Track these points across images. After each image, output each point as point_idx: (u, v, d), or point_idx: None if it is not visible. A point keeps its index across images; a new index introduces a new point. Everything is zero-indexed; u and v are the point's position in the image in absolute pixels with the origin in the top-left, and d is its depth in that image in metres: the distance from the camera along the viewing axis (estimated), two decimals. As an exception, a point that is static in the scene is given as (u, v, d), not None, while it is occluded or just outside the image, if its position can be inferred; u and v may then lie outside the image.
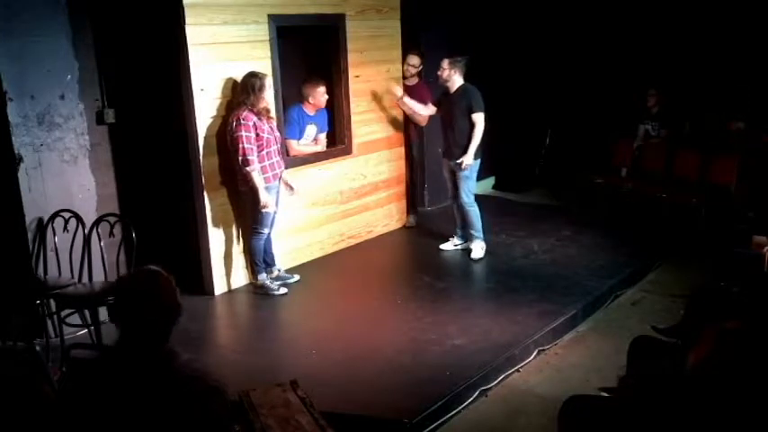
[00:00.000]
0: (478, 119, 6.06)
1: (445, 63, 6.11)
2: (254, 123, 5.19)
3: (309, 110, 6.21)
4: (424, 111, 6.77)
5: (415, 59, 6.92)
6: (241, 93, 5.26)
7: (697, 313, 3.59)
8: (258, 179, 5.24)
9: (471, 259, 6.32)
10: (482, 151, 6.25)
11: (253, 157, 5.19)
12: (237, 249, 5.77)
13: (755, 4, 7.31)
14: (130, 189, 5.54)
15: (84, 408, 2.22)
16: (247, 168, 5.20)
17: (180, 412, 2.14)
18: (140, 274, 2.34)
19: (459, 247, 6.55)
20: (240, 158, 5.19)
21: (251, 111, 5.20)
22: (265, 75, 5.30)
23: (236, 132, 5.17)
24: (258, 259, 5.58)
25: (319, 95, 6.13)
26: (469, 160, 6.12)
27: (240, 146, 5.15)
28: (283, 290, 5.66)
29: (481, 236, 6.40)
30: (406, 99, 6.67)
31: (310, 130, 6.28)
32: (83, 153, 5.08)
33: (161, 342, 2.25)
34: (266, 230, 5.53)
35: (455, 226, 6.59)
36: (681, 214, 6.92)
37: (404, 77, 6.93)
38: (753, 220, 6.50)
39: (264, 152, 5.28)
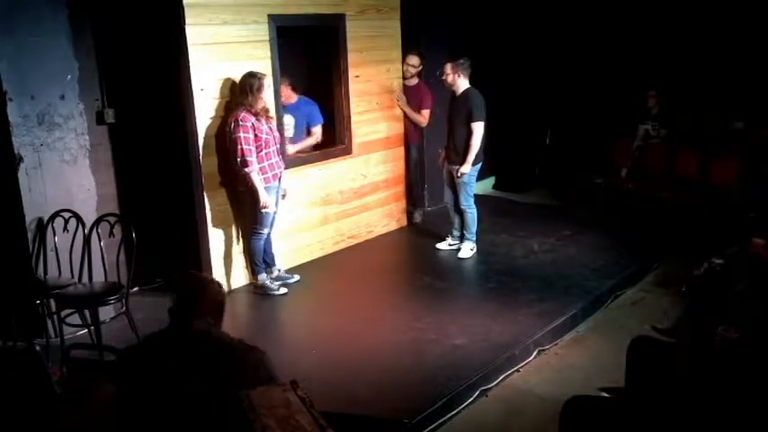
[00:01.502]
0: (476, 127, 6.04)
1: (448, 68, 6.09)
2: (253, 124, 5.19)
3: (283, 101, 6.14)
4: (416, 117, 6.90)
5: (414, 59, 6.92)
6: (239, 93, 5.26)
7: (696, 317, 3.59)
8: (257, 180, 5.24)
9: (458, 258, 6.36)
10: (482, 153, 6.25)
11: (251, 158, 5.19)
12: (237, 249, 5.77)
13: (755, 4, 7.31)
14: (130, 189, 5.54)
15: (142, 367, 2.64)
16: (246, 169, 5.19)
17: (236, 362, 2.62)
18: (192, 273, 2.97)
19: (455, 246, 6.55)
20: (239, 159, 5.19)
21: (249, 111, 5.20)
22: (264, 75, 5.29)
23: (234, 134, 5.17)
24: (258, 259, 5.58)
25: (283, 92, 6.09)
26: (466, 170, 6.14)
27: (239, 147, 5.15)
28: (283, 290, 5.66)
29: (473, 238, 6.42)
30: (402, 104, 6.80)
31: (287, 119, 6.21)
32: (83, 153, 5.08)
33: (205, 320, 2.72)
34: (266, 230, 5.53)
35: (451, 226, 6.60)
36: (681, 214, 6.91)
37: (404, 78, 6.94)
38: (753, 220, 6.49)
39: (263, 152, 5.28)
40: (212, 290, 2.80)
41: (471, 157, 6.10)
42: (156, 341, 2.75)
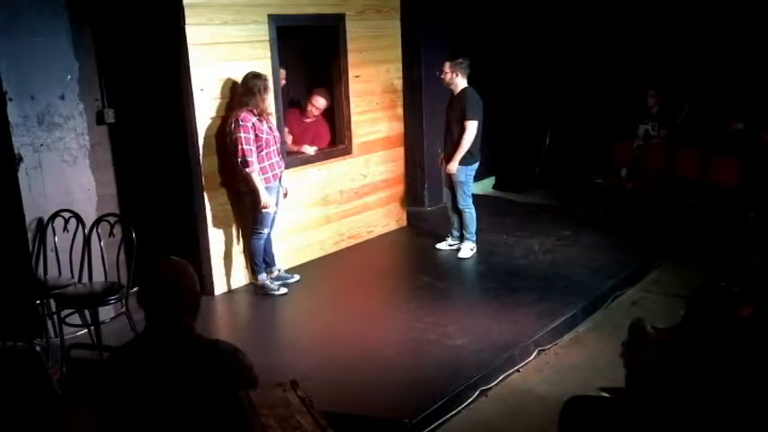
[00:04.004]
0: (469, 126, 6.02)
1: (447, 66, 6.09)
2: (253, 124, 5.19)
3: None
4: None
5: (321, 101, 6.36)
6: (244, 94, 5.23)
7: (697, 313, 3.59)
8: (258, 180, 5.24)
9: (458, 258, 6.36)
10: (479, 153, 6.25)
11: (252, 159, 5.19)
12: (237, 249, 5.77)
13: (755, 4, 7.31)
14: (130, 189, 5.55)
15: (126, 381, 2.43)
16: (247, 170, 5.19)
17: (217, 368, 2.43)
18: (165, 264, 2.58)
19: (454, 246, 6.55)
20: (239, 160, 5.19)
21: (251, 112, 5.19)
22: (267, 76, 5.30)
23: (235, 134, 5.16)
24: (258, 259, 5.58)
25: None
26: (453, 168, 6.12)
27: (239, 147, 5.15)
28: (283, 290, 5.66)
29: (473, 238, 6.42)
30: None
31: None
32: (83, 153, 5.08)
33: (182, 321, 2.47)
34: (266, 230, 5.52)
35: (450, 226, 6.60)
36: (681, 214, 6.92)
37: (306, 117, 6.48)
38: (753, 219, 6.49)
39: (264, 152, 5.28)
40: (189, 282, 2.52)
41: (459, 155, 6.08)
42: (137, 352, 2.53)
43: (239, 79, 5.32)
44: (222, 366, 2.45)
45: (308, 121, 6.48)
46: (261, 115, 5.23)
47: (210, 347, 2.52)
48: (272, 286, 5.65)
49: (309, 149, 6.25)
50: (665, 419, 2.78)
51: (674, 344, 3.39)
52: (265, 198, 5.29)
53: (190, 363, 2.44)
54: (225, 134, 5.32)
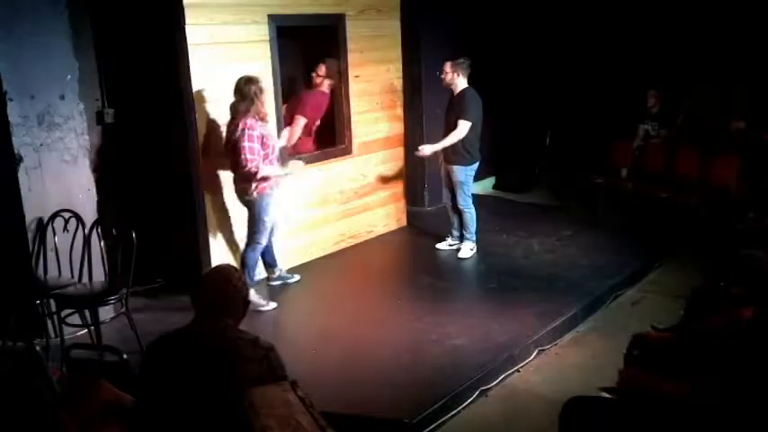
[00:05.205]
0: (461, 125, 6.02)
1: (448, 66, 6.10)
2: (260, 133, 5.03)
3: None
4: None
5: (321, 68, 6.30)
6: (242, 100, 5.01)
7: (697, 313, 3.59)
8: (270, 170, 5.12)
9: (458, 258, 6.36)
10: (479, 153, 6.25)
11: (254, 165, 5.01)
12: (237, 250, 5.76)
13: (755, 4, 7.31)
14: (130, 189, 5.54)
15: (167, 369, 2.70)
16: (257, 177, 5.06)
17: (251, 362, 2.66)
18: (214, 270, 2.98)
19: (454, 246, 6.55)
20: (244, 167, 5.01)
21: (254, 118, 5.01)
22: (259, 78, 5.10)
23: (240, 142, 4.97)
24: (252, 272, 5.34)
25: None
26: (426, 150, 6.15)
27: (243, 156, 4.97)
28: (273, 304, 5.43)
29: (473, 238, 6.42)
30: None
31: None
32: (83, 153, 5.08)
33: (225, 319, 2.77)
34: (264, 241, 5.36)
35: (450, 226, 6.60)
36: (681, 214, 6.92)
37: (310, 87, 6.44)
38: (753, 220, 6.50)
39: (268, 159, 5.17)
40: (233, 288, 2.80)
41: (439, 146, 6.12)
42: (175, 339, 2.79)
43: (236, 84, 5.13)
44: (259, 359, 2.67)
45: (310, 92, 6.35)
46: (263, 120, 5.12)
47: (251, 341, 2.73)
48: (261, 302, 5.37)
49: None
50: (665, 420, 2.78)
51: (674, 344, 3.39)
52: (285, 171, 5.32)
53: (225, 353, 2.65)
54: (226, 136, 5.26)
